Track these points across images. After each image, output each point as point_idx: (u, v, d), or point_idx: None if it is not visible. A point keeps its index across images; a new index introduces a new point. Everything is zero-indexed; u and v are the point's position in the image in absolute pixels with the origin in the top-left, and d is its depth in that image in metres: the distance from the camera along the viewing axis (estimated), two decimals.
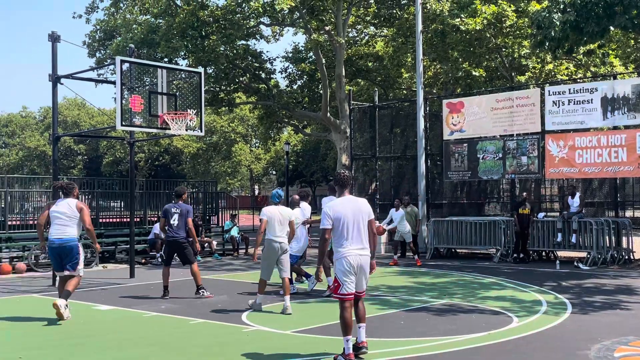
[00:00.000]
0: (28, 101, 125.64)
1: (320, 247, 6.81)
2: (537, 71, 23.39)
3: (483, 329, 8.07)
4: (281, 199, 10.04)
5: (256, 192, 67.04)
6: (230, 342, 7.75)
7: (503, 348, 7.17)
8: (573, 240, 15.90)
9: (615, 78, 17.65)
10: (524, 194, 17.57)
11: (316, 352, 7.08)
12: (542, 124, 17.84)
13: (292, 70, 29.84)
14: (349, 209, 6.74)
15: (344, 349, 6.49)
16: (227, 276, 14.28)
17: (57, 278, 9.98)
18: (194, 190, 23.51)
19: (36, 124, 70.65)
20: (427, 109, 20.74)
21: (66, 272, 9.32)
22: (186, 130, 12.51)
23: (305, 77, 29.40)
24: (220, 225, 21.44)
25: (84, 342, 7.85)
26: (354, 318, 6.67)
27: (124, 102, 12.04)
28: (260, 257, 9.91)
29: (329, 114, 25.36)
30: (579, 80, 20.41)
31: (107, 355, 7.21)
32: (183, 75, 13.99)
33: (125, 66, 12.53)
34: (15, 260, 15.86)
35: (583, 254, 15.96)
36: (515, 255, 16.58)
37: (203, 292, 10.88)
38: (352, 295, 6.61)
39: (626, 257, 16.01)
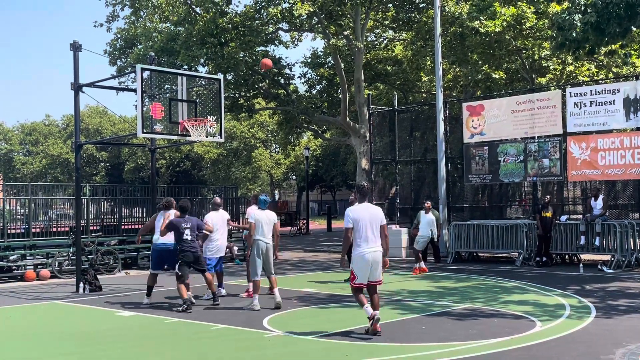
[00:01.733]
0: (51, 109, 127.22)
1: (344, 243, 8.40)
2: (557, 73, 23.16)
3: (505, 334, 8.01)
4: (267, 204, 10.64)
5: (276, 197, 67.16)
6: (252, 348, 7.77)
7: (526, 353, 7.10)
8: (597, 243, 15.70)
9: (637, 78, 17.39)
10: (547, 197, 17.39)
11: (337, 358, 7.07)
12: (564, 125, 17.67)
13: (311, 75, 29.89)
14: (367, 214, 8.22)
15: (367, 312, 8.10)
16: (236, 281, 14.31)
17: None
18: (215, 195, 23.62)
19: (59, 132, 71.50)
20: (447, 112, 20.65)
21: None
22: (206, 136, 12.60)
23: (324, 82, 29.44)
24: (240, 230, 21.49)
25: (105, 348, 7.92)
26: (366, 296, 8.25)
27: (144, 109, 12.16)
28: (249, 259, 10.69)
29: (348, 119, 25.37)
30: (600, 81, 20.19)
31: None
32: (203, 82, 14.08)
33: (146, 74, 12.67)
34: (39, 267, 16.07)
35: (607, 257, 15.75)
36: (537, 258, 16.40)
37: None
38: (365, 285, 8.21)
39: None
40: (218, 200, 12.40)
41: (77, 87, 13.35)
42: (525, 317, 9.21)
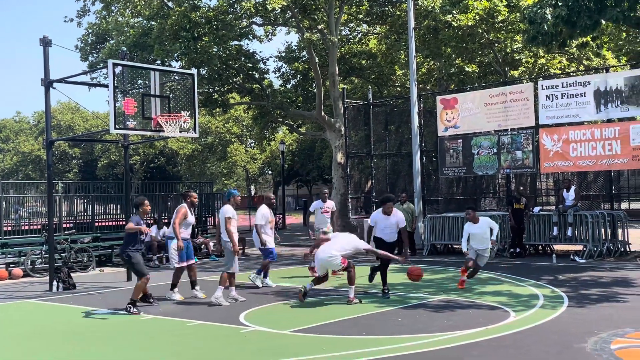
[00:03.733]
0: (21, 106, 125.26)
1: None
2: (530, 65, 23.42)
3: (481, 325, 8.09)
4: (232, 196, 10.99)
5: (252, 193, 66.95)
6: (230, 344, 7.75)
7: (501, 343, 7.19)
8: (569, 233, 15.92)
9: (607, 71, 17.67)
10: (520, 188, 17.58)
11: (315, 351, 7.08)
12: (536, 118, 17.87)
13: (286, 70, 29.80)
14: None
15: None
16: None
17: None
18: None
19: (30, 128, 70.46)
20: (421, 105, 20.73)
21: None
22: (180, 132, 12.49)
23: (299, 76, 29.37)
24: (215, 226, 21.41)
25: (79, 346, 7.83)
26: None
27: (117, 105, 12.02)
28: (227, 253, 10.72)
29: (323, 113, 25.34)
30: (572, 73, 20.44)
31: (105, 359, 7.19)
32: (176, 77, 13.94)
33: (118, 69, 12.50)
34: (11, 266, 15.82)
35: (579, 247, 16.00)
36: (511, 249, 16.59)
37: (131, 308, 9.93)
38: None
39: (622, 249, 16.05)
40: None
41: (47, 83, 13.15)
42: (500, 307, 9.32)
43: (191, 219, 11.12)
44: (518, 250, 16.53)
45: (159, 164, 59.63)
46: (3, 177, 59.33)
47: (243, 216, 35.98)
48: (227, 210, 10.70)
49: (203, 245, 19.12)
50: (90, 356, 7.42)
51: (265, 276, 12.32)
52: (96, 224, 18.95)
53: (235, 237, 10.58)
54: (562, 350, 6.71)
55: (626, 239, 16.23)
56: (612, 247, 15.84)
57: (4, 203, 17.13)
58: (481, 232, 11.62)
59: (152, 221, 19.25)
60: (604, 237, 15.77)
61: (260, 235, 12.01)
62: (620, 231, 16.25)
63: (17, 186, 22.19)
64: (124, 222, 15.07)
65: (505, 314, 8.84)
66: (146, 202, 10.44)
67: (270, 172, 63.56)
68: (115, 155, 57.53)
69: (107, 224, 19.83)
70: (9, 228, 17.08)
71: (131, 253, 10.04)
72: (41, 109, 68.51)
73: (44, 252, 15.56)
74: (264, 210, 12.13)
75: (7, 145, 68.14)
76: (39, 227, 17.90)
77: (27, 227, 17.81)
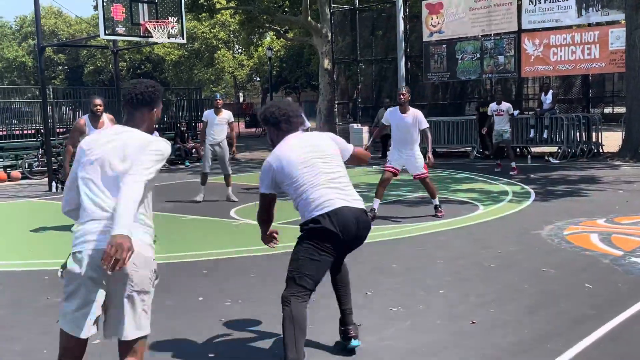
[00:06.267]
0: (2, 10, 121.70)
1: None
2: None
3: (450, 217, 8.85)
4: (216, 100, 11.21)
5: (241, 99, 66.90)
6: (221, 233, 8.50)
7: (465, 231, 7.96)
8: (545, 136, 16.62)
9: None
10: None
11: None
12: (519, 23, 18.14)
13: None
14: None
15: None
16: (216, 179, 14.93)
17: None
18: (179, 98, 23.82)
19: (12, 34, 69.02)
20: (407, 10, 20.83)
21: None
22: (168, 37, 12.78)
23: None
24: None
25: None
26: None
27: (105, 11, 12.23)
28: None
29: (310, 18, 25.31)
30: None
31: None
32: None
33: None
34: (9, 169, 16.42)
35: (554, 149, 16.73)
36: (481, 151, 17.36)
37: None
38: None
39: (595, 150, 16.80)
40: None
41: None
42: (470, 202, 10.10)
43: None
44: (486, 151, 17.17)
45: (145, 70, 59.10)
46: None
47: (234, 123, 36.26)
48: (205, 114, 11.28)
49: (194, 150, 19.71)
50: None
51: None
52: None
53: (211, 139, 10.96)
54: (519, 236, 7.48)
55: (600, 141, 16.95)
56: (585, 149, 16.58)
57: None
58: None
59: None
60: (578, 140, 16.49)
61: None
62: (594, 134, 16.96)
63: (4, 92, 22.40)
64: None
65: (475, 207, 9.61)
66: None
67: (258, 79, 63.27)
68: (102, 62, 56.89)
69: None
70: (5, 132, 17.54)
71: None
72: (23, 14, 67.02)
73: (40, 156, 16.12)
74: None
75: None
76: (31, 132, 18.36)
77: (18, 132, 18.27)
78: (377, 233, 7.72)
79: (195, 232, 8.71)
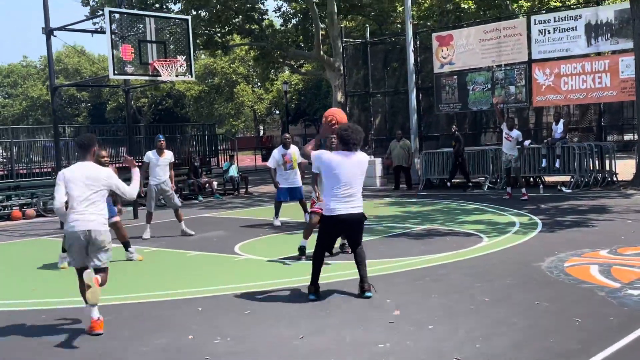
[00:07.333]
0: (28, 51, 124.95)
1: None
2: None
3: (453, 249, 8.80)
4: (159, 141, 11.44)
5: (261, 133, 67.50)
6: (223, 270, 8.54)
7: (466, 263, 7.90)
8: (557, 165, 16.50)
9: (598, 4, 17.84)
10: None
11: (303, 274, 7.85)
12: (529, 53, 18.18)
13: (286, 9, 29.87)
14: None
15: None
16: (227, 213, 15.06)
17: None
18: (195, 133, 24.14)
19: (37, 73, 70.70)
20: (417, 43, 20.99)
21: None
22: (176, 76, 13.03)
23: (299, 15, 29.44)
24: (220, 166, 22.16)
25: None
26: None
27: (115, 51, 12.54)
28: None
29: (322, 53, 25.61)
30: (572, 6, 20.52)
31: (119, 282, 8.00)
32: (176, 21, 14.36)
33: (117, 15, 12.96)
34: (25, 207, 16.71)
35: (567, 178, 16.58)
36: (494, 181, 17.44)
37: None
38: None
39: (609, 179, 16.62)
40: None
41: (48, 32, 13.63)
42: (476, 234, 10.02)
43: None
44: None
45: (166, 106, 60.05)
46: (13, 122, 60.05)
47: (251, 156, 36.59)
48: (147, 155, 11.57)
49: (207, 185, 19.90)
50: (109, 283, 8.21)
51: (276, 215, 12.17)
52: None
53: (156, 179, 11.33)
54: (519, 268, 7.41)
55: (613, 170, 16.77)
56: (599, 178, 16.41)
57: (14, 148, 17.89)
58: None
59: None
60: (591, 168, 16.33)
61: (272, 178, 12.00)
62: (607, 162, 16.79)
63: (28, 131, 22.90)
64: None
65: (479, 239, 9.54)
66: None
67: (277, 112, 63.81)
68: (123, 98, 57.86)
69: (116, 165, 20.55)
70: (21, 172, 17.89)
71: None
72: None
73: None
74: (274, 153, 11.95)
75: (16, 90, 68.62)
76: (49, 169, 18.70)
77: (37, 170, 18.63)
78: (376, 267, 7.71)
79: (198, 268, 8.76)
